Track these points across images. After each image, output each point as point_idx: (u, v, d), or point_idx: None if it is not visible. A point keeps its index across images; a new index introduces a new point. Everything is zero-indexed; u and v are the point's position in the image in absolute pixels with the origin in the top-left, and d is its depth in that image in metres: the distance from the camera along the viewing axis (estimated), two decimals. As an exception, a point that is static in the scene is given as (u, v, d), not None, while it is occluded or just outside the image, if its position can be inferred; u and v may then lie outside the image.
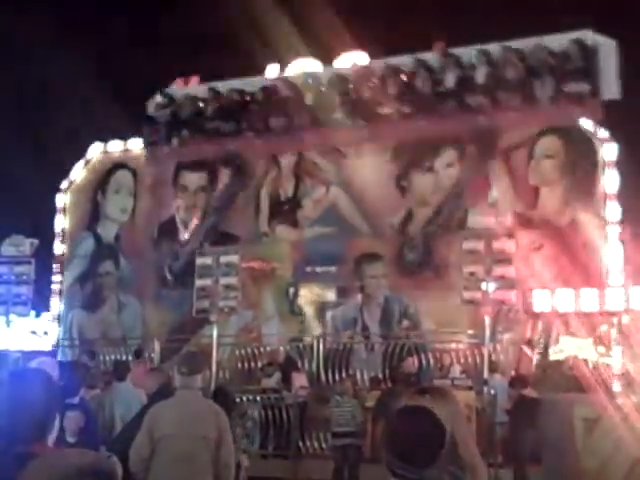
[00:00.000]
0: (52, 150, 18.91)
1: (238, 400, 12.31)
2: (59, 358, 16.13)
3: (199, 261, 14.33)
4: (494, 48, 15.40)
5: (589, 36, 14.91)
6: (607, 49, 14.85)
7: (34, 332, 17.38)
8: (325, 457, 12.57)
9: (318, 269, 16.92)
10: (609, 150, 15.05)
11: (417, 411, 2.82)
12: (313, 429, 13.35)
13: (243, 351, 15.77)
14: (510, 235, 12.75)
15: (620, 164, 14.96)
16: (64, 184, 19.45)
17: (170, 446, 5.57)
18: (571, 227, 15.15)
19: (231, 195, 17.77)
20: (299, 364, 14.90)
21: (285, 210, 17.53)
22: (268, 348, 15.86)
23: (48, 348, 17.21)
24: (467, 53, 15.73)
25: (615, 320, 12.50)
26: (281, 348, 15.72)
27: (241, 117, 17.12)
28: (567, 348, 12.62)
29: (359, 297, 16.53)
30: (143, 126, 18.04)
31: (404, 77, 15.88)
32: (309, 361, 15.20)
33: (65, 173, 19.53)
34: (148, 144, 18.04)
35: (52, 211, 19.38)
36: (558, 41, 15.01)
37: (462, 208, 15.93)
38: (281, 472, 12.73)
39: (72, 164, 19.50)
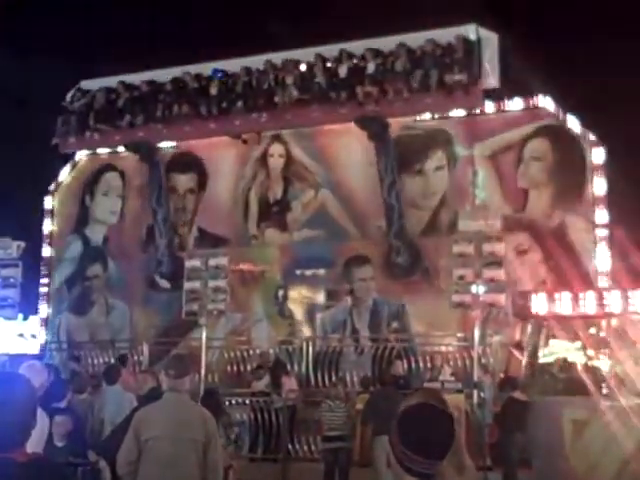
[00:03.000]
0: (40, 151, 18.81)
1: (227, 404, 12.29)
2: (47, 361, 16.03)
3: (188, 264, 14.29)
4: (386, 41, 16.01)
5: (472, 30, 15.54)
6: (489, 42, 15.45)
7: (21, 335, 17.27)
8: (314, 460, 12.54)
9: (307, 272, 16.90)
10: (597, 153, 15.12)
11: (424, 406, 2.87)
12: (303, 432, 13.32)
13: (232, 354, 15.73)
14: (499, 238, 12.77)
15: (608, 166, 15.03)
16: (52, 186, 19.36)
17: (157, 448, 5.54)
18: (560, 229, 15.20)
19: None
20: (288, 367, 14.86)
21: (274, 213, 17.51)
22: (257, 351, 15.83)
23: (36, 351, 17.12)
24: (359, 46, 16.21)
25: (604, 323, 12.52)
26: (270, 351, 15.68)
27: (149, 107, 17.59)
28: (556, 351, 12.63)
29: (348, 300, 16.52)
30: (57, 117, 18.31)
31: (303, 68, 16.56)
32: (298, 364, 15.18)
33: (53, 175, 19.43)
34: (60, 134, 18.17)
35: (40, 213, 19.28)
36: (446, 35, 15.67)
37: (452, 211, 15.96)
38: (271, 475, 12.69)
39: (60, 166, 19.41)
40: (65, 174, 19.41)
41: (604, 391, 11.39)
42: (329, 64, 16.25)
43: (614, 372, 11.66)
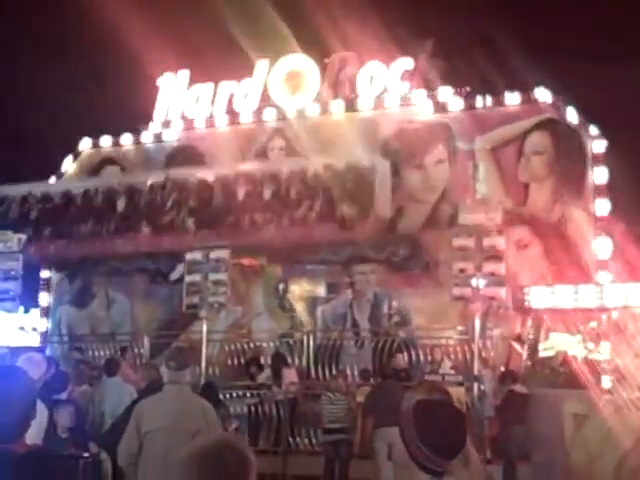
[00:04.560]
0: (41, 144, 18.82)
1: (227, 397, 12.31)
2: (48, 354, 16.04)
3: (189, 257, 14.30)
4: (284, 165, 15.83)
5: (365, 158, 15.22)
6: (382, 170, 15.09)
7: (22, 328, 17.28)
8: (315, 453, 12.57)
9: (308, 265, 16.89)
10: (597, 145, 15.10)
11: (440, 404, 2.90)
12: (303, 425, 13.34)
13: (233, 347, 15.75)
14: (500, 232, 12.77)
15: (609, 159, 15.02)
16: (53, 179, 19.34)
17: (157, 440, 5.55)
18: (561, 223, 15.18)
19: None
20: (289, 360, 14.88)
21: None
22: (258, 344, 15.85)
23: (36, 344, 17.13)
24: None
25: (604, 316, 12.53)
26: (271, 344, 15.71)
27: (59, 220, 17.15)
28: (557, 344, 12.65)
29: (349, 293, 16.53)
30: None
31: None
32: (299, 357, 15.20)
33: (54, 168, 19.42)
34: None
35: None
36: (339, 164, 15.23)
37: (452, 205, 15.94)
38: (271, 468, 12.70)
39: (61, 158, 19.39)
40: (67, 167, 19.39)
41: (604, 385, 11.41)
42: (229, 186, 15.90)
43: (614, 366, 11.68)
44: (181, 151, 18.35)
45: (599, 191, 14.93)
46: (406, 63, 16.39)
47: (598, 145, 15.07)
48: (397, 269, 16.17)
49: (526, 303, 12.99)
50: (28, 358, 6.15)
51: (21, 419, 2.93)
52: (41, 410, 5.36)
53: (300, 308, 16.89)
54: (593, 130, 15.20)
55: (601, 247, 14.62)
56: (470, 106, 15.99)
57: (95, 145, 19.14)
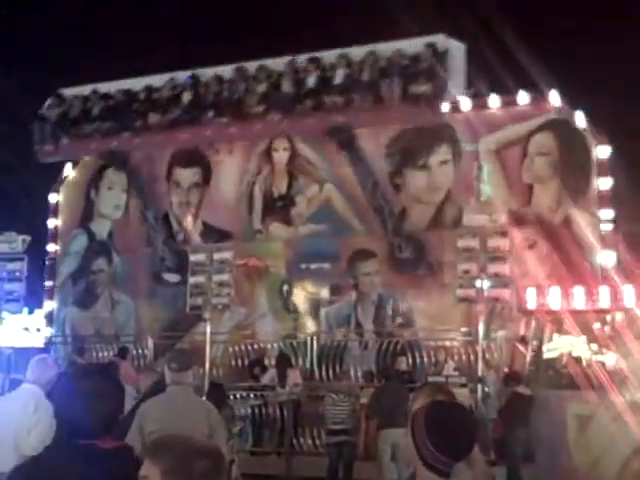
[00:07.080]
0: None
1: (231, 398, 12.31)
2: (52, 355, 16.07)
3: (192, 258, 14.32)
4: (355, 51, 16.27)
5: (441, 40, 15.65)
6: (457, 52, 15.66)
7: (27, 329, 17.31)
8: (318, 454, 12.57)
9: (312, 266, 16.89)
10: (602, 148, 15.06)
11: (450, 405, 2.94)
12: (307, 426, 13.34)
13: (236, 348, 15.75)
14: (504, 233, 12.76)
15: (613, 161, 14.98)
16: (57, 180, 19.38)
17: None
18: (564, 225, 15.15)
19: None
20: (293, 361, 14.88)
21: (279, 207, 17.50)
22: (262, 345, 15.85)
23: (41, 345, 17.16)
24: (329, 56, 16.50)
25: (608, 318, 12.50)
26: (274, 345, 15.71)
27: (123, 116, 17.93)
28: (560, 346, 12.62)
29: (353, 294, 16.52)
30: (34, 125, 18.65)
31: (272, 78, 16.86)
32: (303, 358, 15.20)
33: (58, 170, 19.45)
34: (37, 142, 18.56)
35: (45, 208, 19.31)
36: (414, 45, 15.83)
37: (456, 206, 15.93)
38: (275, 469, 12.71)
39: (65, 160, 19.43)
40: (70, 168, 19.43)
41: (608, 386, 11.38)
42: (298, 73, 16.53)
43: (618, 367, 11.65)
44: (184, 151, 18.36)
45: (603, 197, 14.87)
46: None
47: (603, 151, 15.00)
48: (401, 270, 16.16)
49: (530, 304, 12.96)
50: (40, 360, 6.16)
51: (107, 417, 3.01)
52: (51, 412, 5.37)
53: (304, 309, 16.89)
54: (598, 131, 15.15)
55: (604, 249, 14.59)
56: (476, 106, 15.93)
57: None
